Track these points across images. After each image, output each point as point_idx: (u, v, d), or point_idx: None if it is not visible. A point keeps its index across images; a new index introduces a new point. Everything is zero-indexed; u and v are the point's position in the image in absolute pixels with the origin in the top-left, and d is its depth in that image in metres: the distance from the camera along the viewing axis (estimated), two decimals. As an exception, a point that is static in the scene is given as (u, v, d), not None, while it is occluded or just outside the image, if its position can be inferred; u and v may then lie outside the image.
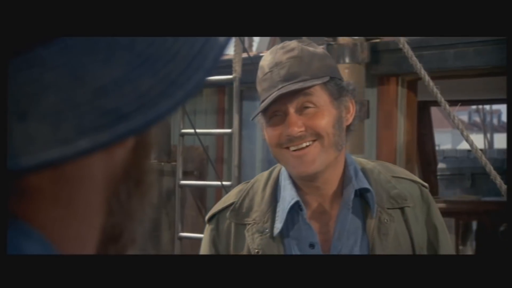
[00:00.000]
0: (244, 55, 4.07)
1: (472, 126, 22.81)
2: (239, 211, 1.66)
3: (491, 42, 3.38)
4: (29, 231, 0.45)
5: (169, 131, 4.19)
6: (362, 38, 3.33)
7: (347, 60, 3.24)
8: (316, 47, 1.64)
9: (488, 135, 11.93)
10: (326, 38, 3.36)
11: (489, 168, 2.12)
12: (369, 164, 1.69)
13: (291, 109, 1.55)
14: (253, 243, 1.61)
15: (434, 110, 7.01)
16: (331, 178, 1.61)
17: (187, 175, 4.38)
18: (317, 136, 1.55)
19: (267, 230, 1.61)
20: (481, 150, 2.61)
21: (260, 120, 1.62)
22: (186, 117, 4.21)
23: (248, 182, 1.71)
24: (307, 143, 1.55)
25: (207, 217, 1.72)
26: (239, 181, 4.46)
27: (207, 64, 0.46)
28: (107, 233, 0.50)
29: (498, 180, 2.08)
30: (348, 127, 1.63)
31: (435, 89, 2.09)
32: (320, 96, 1.56)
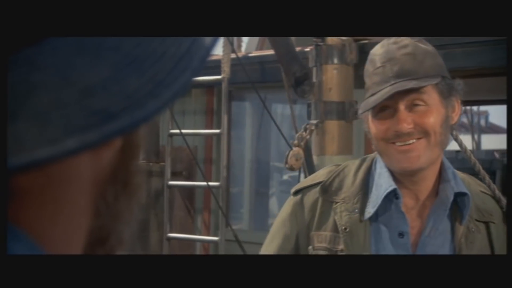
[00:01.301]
0: (233, 55, 4.07)
1: (460, 127, 22.90)
2: (328, 188, 1.69)
3: (479, 44, 3.40)
4: (16, 233, 0.44)
5: (158, 131, 4.18)
6: (350, 38, 3.33)
7: (335, 60, 3.25)
8: (427, 44, 1.67)
9: (476, 136, 11.99)
10: (314, 39, 3.37)
11: (478, 167, 2.13)
12: (459, 173, 1.73)
13: (402, 106, 1.57)
14: (341, 219, 1.65)
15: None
16: (428, 176, 1.64)
17: (175, 175, 4.38)
18: (425, 134, 1.58)
19: (356, 211, 1.64)
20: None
21: (364, 113, 1.64)
22: (174, 118, 4.21)
23: (338, 165, 1.75)
24: (414, 140, 1.58)
25: (293, 190, 1.76)
26: (227, 182, 4.47)
27: (194, 64, 0.46)
28: (95, 235, 0.50)
29: (487, 179, 2.09)
30: (452, 126, 1.67)
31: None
32: (431, 95, 1.59)
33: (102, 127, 0.42)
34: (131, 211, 0.52)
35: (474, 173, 2.52)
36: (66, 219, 0.47)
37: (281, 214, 1.79)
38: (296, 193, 1.74)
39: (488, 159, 7.09)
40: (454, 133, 2.21)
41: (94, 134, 0.42)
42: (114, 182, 0.50)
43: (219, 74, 4.03)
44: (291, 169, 3.33)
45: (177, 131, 4.15)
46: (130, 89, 0.43)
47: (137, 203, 0.52)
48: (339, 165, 1.76)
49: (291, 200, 1.76)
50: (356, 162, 1.74)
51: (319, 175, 1.75)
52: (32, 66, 0.42)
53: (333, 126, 3.28)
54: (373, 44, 1.76)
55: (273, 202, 6.55)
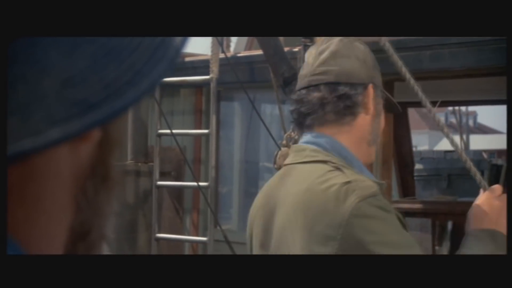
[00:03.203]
0: (222, 55, 4.07)
1: (449, 128, 22.98)
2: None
3: (466, 44, 3.41)
4: None
5: (146, 131, 4.17)
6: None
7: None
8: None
9: (464, 137, 12.07)
10: (303, 39, 3.37)
11: (469, 164, 2.13)
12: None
13: None
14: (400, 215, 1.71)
15: (411, 111, 7.05)
16: None
17: (164, 175, 4.36)
18: None
19: None
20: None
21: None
22: (163, 118, 4.19)
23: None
24: None
25: (373, 193, 1.65)
26: (216, 182, 4.46)
27: (170, 53, 0.47)
28: (76, 230, 0.50)
29: (478, 176, 2.09)
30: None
31: (416, 87, 2.08)
32: None
33: (84, 117, 0.43)
34: (111, 205, 0.52)
35: (462, 174, 2.52)
36: (46, 215, 0.47)
37: (392, 220, 1.63)
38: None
39: (476, 159, 7.12)
40: (446, 130, 2.21)
41: (76, 124, 0.42)
42: (93, 177, 0.50)
43: (207, 74, 4.02)
44: (280, 169, 3.33)
45: (166, 131, 4.14)
46: (109, 79, 0.44)
47: (116, 198, 0.53)
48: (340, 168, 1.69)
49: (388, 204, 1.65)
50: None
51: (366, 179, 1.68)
52: (11, 59, 0.42)
53: (321, 126, 3.28)
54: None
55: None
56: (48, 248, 0.48)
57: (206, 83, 4.15)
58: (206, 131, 4.28)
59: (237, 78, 3.82)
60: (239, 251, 3.17)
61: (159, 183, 4.18)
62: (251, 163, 5.53)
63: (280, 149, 3.26)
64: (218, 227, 4.05)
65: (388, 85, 4.12)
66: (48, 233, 0.48)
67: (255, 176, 5.75)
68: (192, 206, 4.92)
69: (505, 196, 1.89)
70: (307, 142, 1.77)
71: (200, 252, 4.82)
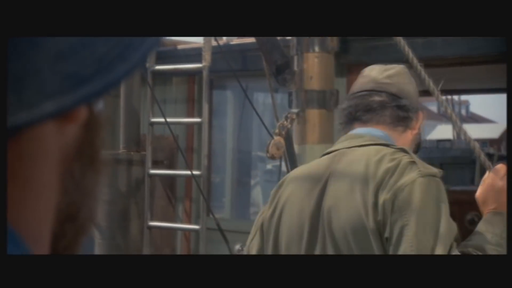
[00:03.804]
0: (214, 43, 4.05)
1: (441, 117, 23.04)
2: None
3: (459, 32, 3.41)
4: None
5: (138, 120, 4.16)
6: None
7: (316, 49, 3.24)
8: None
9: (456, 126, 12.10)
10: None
11: (479, 152, 2.14)
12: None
13: None
14: None
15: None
16: None
17: (156, 164, 4.36)
18: None
19: None
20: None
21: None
22: (155, 106, 4.18)
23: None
24: None
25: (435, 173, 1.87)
26: (208, 171, 4.46)
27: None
28: (64, 212, 0.50)
29: (488, 164, 2.10)
30: None
31: (427, 78, 2.07)
32: None
33: (76, 90, 0.43)
34: (99, 188, 0.53)
35: (454, 163, 2.53)
36: (35, 198, 0.47)
37: (441, 204, 1.80)
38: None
39: (469, 148, 7.13)
40: (457, 122, 2.22)
41: (70, 97, 0.43)
42: (80, 159, 0.50)
43: (200, 62, 4.01)
44: (272, 158, 3.33)
45: (158, 119, 4.13)
46: (99, 53, 0.45)
47: (103, 180, 0.53)
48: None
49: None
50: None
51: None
52: None
53: (314, 115, 3.28)
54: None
55: (257, 191, 6.56)
56: (36, 230, 0.48)
57: (198, 72, 4.14)
58: (198, 119, 4.27)
59: (230, 66, 3.80)
60: (231, 239, 3.18)
61: (152, 171, 4.17)
62: (243, 152, 5.53)
63: (273, 137, 3.26)
64: (210, 215, 4.05)
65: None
66: (36, 215, 0.48)
67: (247, 165, 5.75)
68: (184, 194, 4.92)
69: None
70: (364, 133, 1.97)
71: (192, 240, 4.82)
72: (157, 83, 4.49)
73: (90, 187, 0.52)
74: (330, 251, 1.83)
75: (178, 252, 4.91)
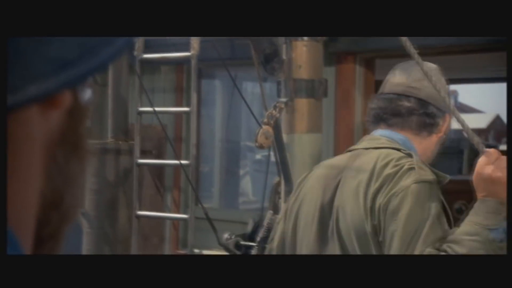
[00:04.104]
0: (203, 32, 4.03)
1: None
2: None
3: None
4: None
5: (127, 109, 4.14)
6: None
7: (304, 37, 3.24)
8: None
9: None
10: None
11: (482, 147, 2.14)
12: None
13: None
14: None
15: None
16: None
17: (145, 154, 4.34)
18: None
19: None
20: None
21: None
22: (143, 95, 4.17)
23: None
24: None
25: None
26: (197, 160, 4.45)
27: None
28: (47, 199, 0.50)
29: (476, 139, 2.12)
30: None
31: (424, 68, 2.06)
32: None
33: (61, 74, 0.43)
34: (82, 175, 0.52)
35: (443, 152, 2.53)
36: (21, 183, 0.47)
37: (432, 210, 1.92)
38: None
39: (457, 138, 7.16)
40: (456, 112, 2.24)
41: (53, 81, 0.43)
42: (64, 145, 0.50)
43: (188, 50, 3.99)
44: (261, 147, 3.33)
45: (147, 109, 4.11)
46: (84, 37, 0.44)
47: (88, 168, 0.53)
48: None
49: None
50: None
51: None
52: None
53: (302, 104, 3.28)
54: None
55: (246, 181, 6.56)
56: (21, 216, 0.48)
57: (187, 60, 4.13)
58: (187, 109, 4.26)
59: (218, 55, 3.79)
60: (220, 228, 3.18)
61: (140, 161, 4.16)
62: (232, 142, 5.53)
63: (261, 127, 3.26)
64: (199, 205, 4.05)
65: (369, 63, 4.13)
66: (22, 200, 0.48)
67: (236, 155, 5.75)
68: (173, 184, 4.92)
69: (502, 158, 1.95)
70: (383, 135, 2.12)
71: (181, 229, 4.82)
72: (145, 72, 4.47)
73: (74, 174, 0.52)
74: (337, 247, 1.99)
75: (167, 241, 4.91)
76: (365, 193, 1.95)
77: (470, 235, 1.89)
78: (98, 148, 3.96)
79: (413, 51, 2.08)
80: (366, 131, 4.25)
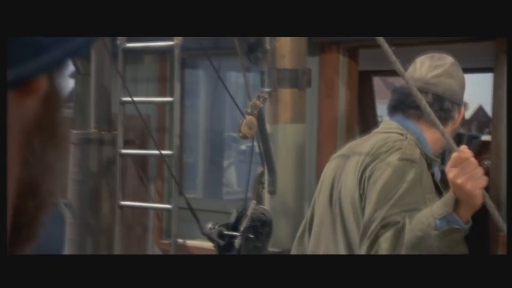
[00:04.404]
0: (186, 22, 4.01)
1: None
2: None
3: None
4: None
5: (110, 99, 4.12)
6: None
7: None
8: None
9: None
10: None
11: (454, 148, 2.16)
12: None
13: None
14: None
15: (376, 81, 7.08)
16: None
17: (128, 144, 4.33)
18: None
19: None
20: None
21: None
22: (126, 85, 4.15)
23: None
24: None
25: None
26: (180, 150, 4.44)
27: None
28: (24, 187, 0.50)
29: (446, 136, 2.19)
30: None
31: (394, 59, 2.08)
32: None
33: (36, 58, 0.43)
34: (60, 162, 0.52)
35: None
36: None
37: (410, 185, 2.16)
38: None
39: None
40: (423, 102, 2.29)
41: (28, 66, 0.42)
42: (40, 132, 0.50)
43: (171, 40, 3.98)
44: (244, 137, 3.32)
45: (129, 99, 4.10)
46: None
47: (65, 155, 0.52)
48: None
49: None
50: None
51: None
52: None
53: (286, 94, 3.28)
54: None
55: (231, 172, 6.56)
56: None
57: (170, 50, 4.11)
58: (170, 98, 4.24)
59: (201, 44, 3.78)
60: (203, 218, 3.18)
61: (123, 151, 4.14)
62: (216, 132, 5.52)
63: (244, 117, 3.25)
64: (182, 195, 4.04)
65: (352, 53, 4.13)
66: None
67: (220, 145, 5.74)
68: (156, 174, 4.91)
69: (469, 162, 2.01)
70: (397, 121, 2.37)
71: (164, 219, 4.81)
72: (128, 62, 4.44)
73: (51, 162, 0.51)
74: (337, 213, 2.30)
75: (150, 231, 4.91)
76: (359, 168, 2.23)
77: (423, 217, 2.04)
78: (81, 138, 3.93)
79: (393, 59, 2.12)
80: (349, 121, 4.26)
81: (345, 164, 2.34)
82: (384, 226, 2.08)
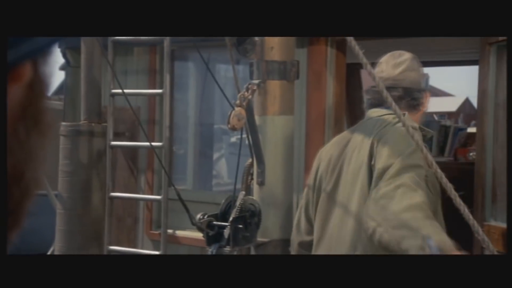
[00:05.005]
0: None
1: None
2: None
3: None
4: None
5: (100, 91, 4.13)
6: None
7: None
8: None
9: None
10: None
11: (408, 127, 2.31)
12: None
13: None
14: None
15: (364, 73, 7.11)
16: None
17: (118, 136, 4.35)
18: None
19: None
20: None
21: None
22: (117, 77, 4.16)
23: None
24: None
25: None
26: (170, 142, 4.47)
27: None
28: (9, 174, 0.49)
29: (409, 129, 2.38)
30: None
31: (357, 48, 2.17)
32: None
33: (19, 46, 0.43)
34: (44, 149, 0.52)
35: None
36: None
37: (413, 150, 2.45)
38: None
39: (427, 120, 7.24)
40: (385, 93, 2.43)
41: (12, 53, 0.42)
42: (24, 119, 0.49)
43: (161, 33, 3.99)
44: (233, 129, 3.35)
45: (119, 91, 4.11)
46: None
47: (49, 142, 0.52)
48: None
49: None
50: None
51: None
52: None
53: (274, 86, 3.30)
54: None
55: (221, 164, 6.57)
56: None
57: (160, 42, 4.12)
58: (159, 91, 4.26)
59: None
60: (193, 209, 3.20)
61: (113, 143, 4.16)
62: (206, 124, 5.53)
63: (233, 109, 3.28)
64: (172, 186, 4.07)
65: (340, 45, 4.16)
66: None
67: (210, 137, 5.76)
68: (146, 166, 4.93)
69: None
70: (383, 109, 2.71)
71: (154, 210, 4.84)
72: (118, 54, 4.46)
73: (35, 149, 0.50)
74: (342, 182, 2.64)
75: (140, 222, 4.93)
76: (368, 142, 2.56)
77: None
78: (71, 130, 3.95)
79: (365, 61, 2.24)
80: (337, 113, 4.29)
81: (344, 144, 2.70)
82: (402, 169, 2.37)
